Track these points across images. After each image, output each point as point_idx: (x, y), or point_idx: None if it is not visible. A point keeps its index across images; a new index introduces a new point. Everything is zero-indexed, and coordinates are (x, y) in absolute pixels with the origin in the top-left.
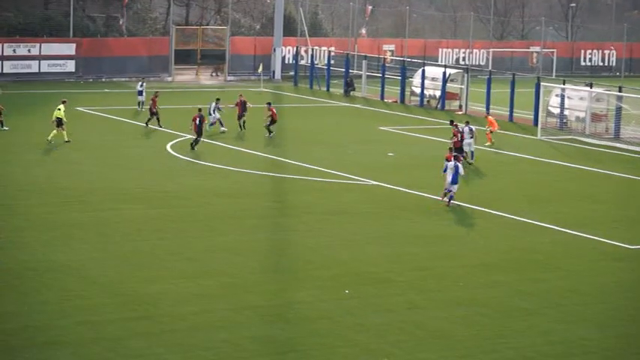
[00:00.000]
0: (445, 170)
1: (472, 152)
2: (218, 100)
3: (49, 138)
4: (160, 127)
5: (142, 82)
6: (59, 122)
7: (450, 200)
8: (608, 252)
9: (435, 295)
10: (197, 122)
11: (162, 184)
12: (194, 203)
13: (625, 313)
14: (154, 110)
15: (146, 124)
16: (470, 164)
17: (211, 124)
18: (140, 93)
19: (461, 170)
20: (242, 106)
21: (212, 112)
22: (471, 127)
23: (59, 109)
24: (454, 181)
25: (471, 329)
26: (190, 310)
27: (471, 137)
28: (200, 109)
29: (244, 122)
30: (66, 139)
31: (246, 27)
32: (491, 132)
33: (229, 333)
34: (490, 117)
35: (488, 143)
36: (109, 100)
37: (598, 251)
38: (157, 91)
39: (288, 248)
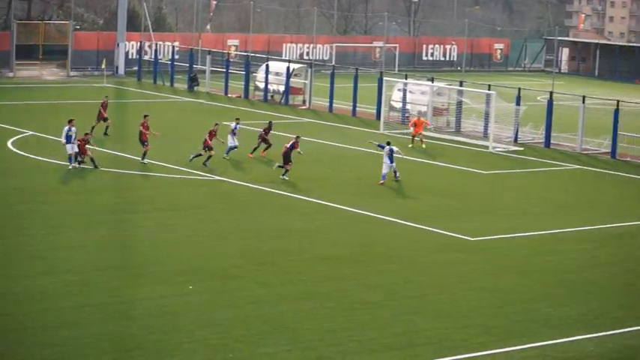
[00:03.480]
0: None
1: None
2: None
3: None
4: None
5: None
6: None
7: (395, 174)
8: (449, 244)
9: (279, 290)
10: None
11: (4, 181)
12: (37, 200)
13: (464, 303)
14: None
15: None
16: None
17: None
18: None
19: (396, 150)
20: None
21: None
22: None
23: None
24: (392, 160)
25: (315, 322)
26: (33, 309)
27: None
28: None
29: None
30: None
31: (90, 22)
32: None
33: (72, 331)
34: (416, 119)
35: (410, 145)
36: None
37: (438, 243)
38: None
39: (132, 244)
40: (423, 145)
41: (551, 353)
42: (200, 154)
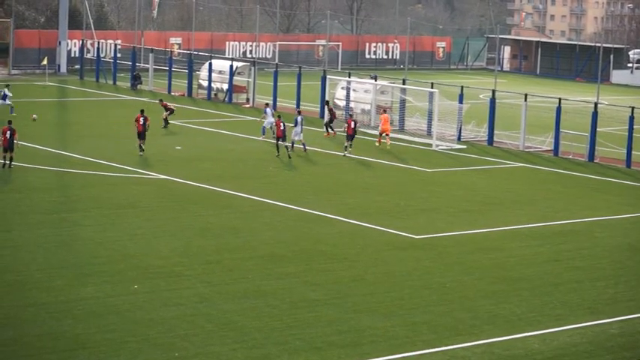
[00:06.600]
0: (296, 124)
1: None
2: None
3: None
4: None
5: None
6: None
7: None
8: (394, 242)
9: (223, 288)
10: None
11: None
12: None
13: (410, 301)
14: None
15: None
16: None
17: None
18: (4, 97)
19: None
20: None
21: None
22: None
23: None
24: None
25: (260, 321)
26: None
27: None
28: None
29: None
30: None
31: (31, 20)
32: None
33: (16, 331)
34: (385, 115)
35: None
36: None
37: (383, 241)
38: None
39: (75, 243)
40: (388, 147)
41: (496, 350)
42: (286, 145)
